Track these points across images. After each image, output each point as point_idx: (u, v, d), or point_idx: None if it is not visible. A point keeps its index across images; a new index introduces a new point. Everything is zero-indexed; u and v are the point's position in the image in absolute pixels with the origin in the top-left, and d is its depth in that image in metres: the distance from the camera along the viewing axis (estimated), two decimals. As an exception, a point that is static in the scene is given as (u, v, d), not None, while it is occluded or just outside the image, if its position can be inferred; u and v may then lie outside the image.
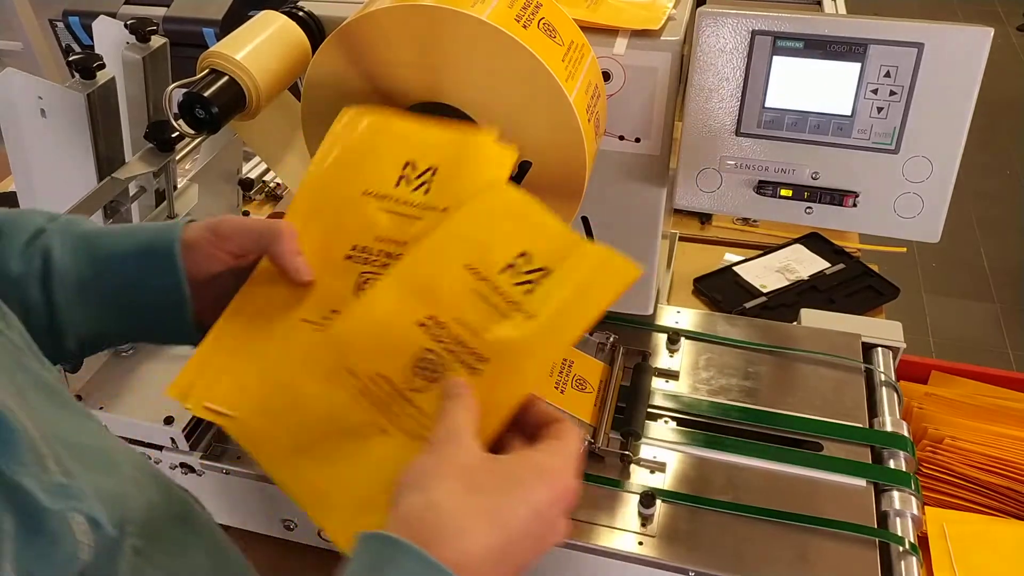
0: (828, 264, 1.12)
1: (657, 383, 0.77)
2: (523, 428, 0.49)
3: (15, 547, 0.30)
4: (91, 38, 0.93)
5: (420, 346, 0.50)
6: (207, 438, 0.76)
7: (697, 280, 1.12)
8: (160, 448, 0.77)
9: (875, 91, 0.71)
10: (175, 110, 0.75)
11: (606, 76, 0.74)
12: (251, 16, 0.80)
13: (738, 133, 0.76)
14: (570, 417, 0.72)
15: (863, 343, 0.81)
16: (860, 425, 0.72)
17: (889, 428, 0.72)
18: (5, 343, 0.43)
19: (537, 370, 0.50)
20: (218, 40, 0.77)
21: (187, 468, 0.77)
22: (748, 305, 1.05)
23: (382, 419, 0.49)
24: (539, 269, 0.52)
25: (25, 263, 0.55)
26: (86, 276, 0.55)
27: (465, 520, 0.39)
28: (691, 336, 0.81)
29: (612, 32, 0.74)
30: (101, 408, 0.78)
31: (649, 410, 0.74)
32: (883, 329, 0.83)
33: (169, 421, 0.75)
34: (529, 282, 0.51)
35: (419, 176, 0.57)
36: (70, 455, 0.38)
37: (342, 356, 0.51)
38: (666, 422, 0.73)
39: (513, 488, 0.41)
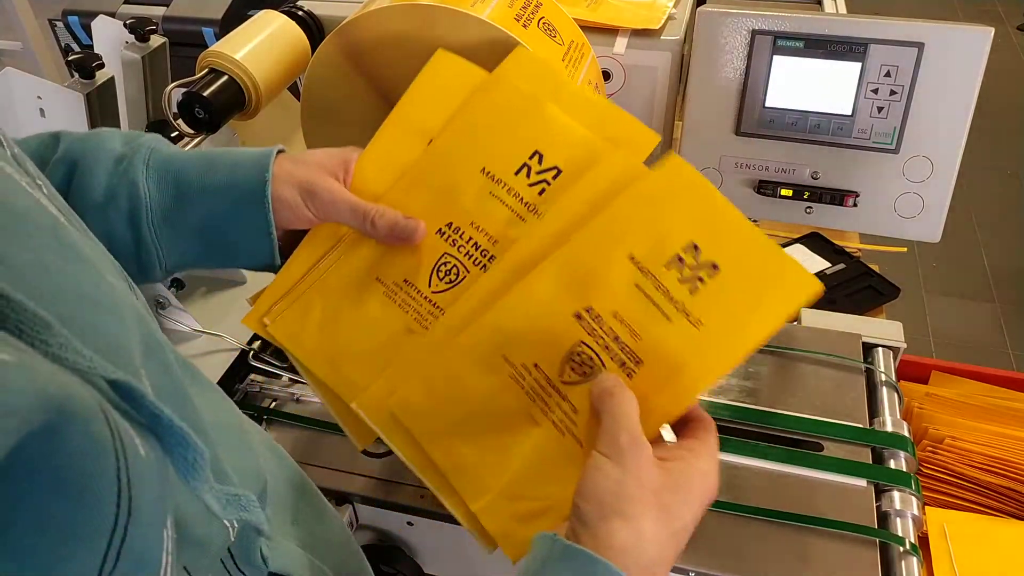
0: (828, 264, 1.12)
1: (657, 383, 0.77)
2: None
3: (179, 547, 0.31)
4: (90, 38, 0.93)
5: (575, 339, 0.48)
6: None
7: (697, 280, 1.12)
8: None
9: (875, 91, 0.71)
10: (174, 110, 0.75)
11: (606, 75, 0.74)
12: (250, 15, 0.80)
13: (738, 133, 0.76)
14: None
15: (863, 343, 0.81)
16: (860, 425, 0.72)
17: (889, 428, 0.72)
18: (149, 326, 0.38)
19: (695, 384, 0.47)
20: (217, 40, 0.77)
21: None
22: (748, 305, 1.05)
23: (534, 408, 0.49)
24: (708, 264, 0.47)
25: (109, 195, 0.53)
26: (172, 208, 0.54)
27: (662, 551, 0.42)
28: (691, 336, 0.81)
29: (612, 32, 0.74)
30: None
31: (649, 410, 0.74)
32: (883, 329, 0.82)
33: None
34: (697, 279, 0.47)
35: (541, 172, 0.54)
36: (217, 438, 0.39)
37: (498, 342, 0.49)
38: (666, 422, 0.73)
39: (692, 507, 0.44)
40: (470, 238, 0.54)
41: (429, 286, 0.54)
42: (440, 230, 0.54)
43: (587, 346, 0.48)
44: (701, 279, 0.47)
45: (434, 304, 0.54)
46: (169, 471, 0.29)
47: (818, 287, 0.46)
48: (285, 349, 0.56)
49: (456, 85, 0.57)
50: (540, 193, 0.53)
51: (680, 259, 0.48)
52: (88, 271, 0.31)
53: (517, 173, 0.54)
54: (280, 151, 0.56)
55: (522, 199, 0.53)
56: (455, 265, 0.54)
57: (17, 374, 0.21)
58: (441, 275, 0.54)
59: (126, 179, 0.53)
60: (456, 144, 0.56)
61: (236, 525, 0.38)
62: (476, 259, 0.54)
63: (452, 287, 0.54)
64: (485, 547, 0.51)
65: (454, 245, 0.54)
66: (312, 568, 0.49)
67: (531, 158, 0.54)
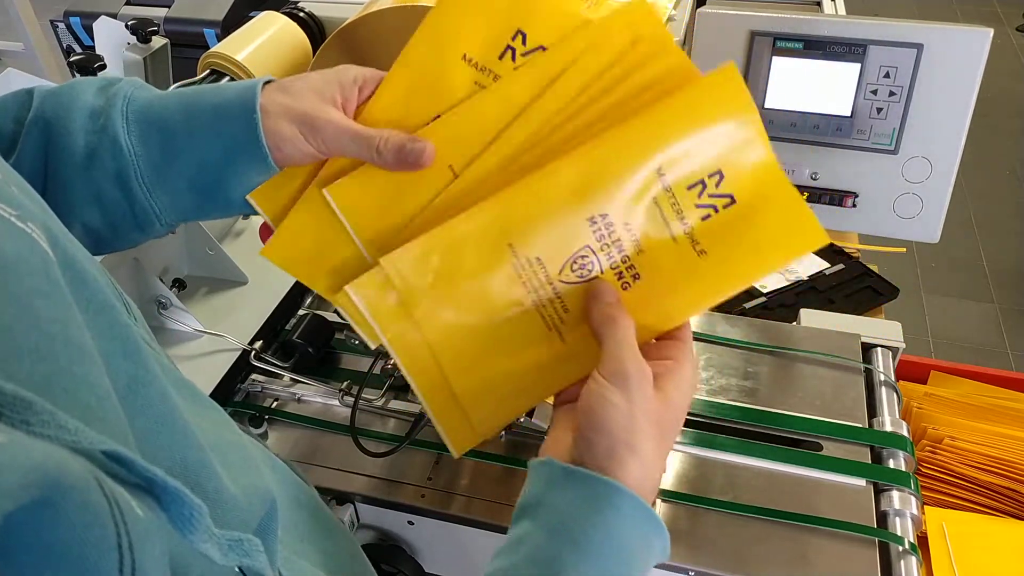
0: (827, 264, 1.12)
1: (657, 383, 0.77)
2: None
3: None
4: (92, 39, 0.94)
5: (583, 243, 0.48)
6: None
7: (697, 280, 1.12)
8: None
9: (875, 92, 0.72)
10: (176, 111, 0.74)
11: (606, 77, 0.74)
12: (252, 17, 0.80)
13: (738, 134, 0.76)
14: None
15: (862, 343, 0.81)
16: (859, 425, 0.72)
17: (888, 428, 0.72)
18: (150, 350, 0.37)
19: (685, 309, 0.48)
20: (219, 41, 0.77)
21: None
22: (748, 305, 1.05)
23: (527, 299, 0.49)
24: (727, 196, 0.47)
25: (90, 155, 0.50)
26: (160, 163, 0.50)
27: (660, 466, 0.44)
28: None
29: (612, 33, 0.74)
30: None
31: (649, 410, 0.74)
32: (882, 329, 0.83)
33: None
34: (711, 207, 0.47)
35: (526, 54, 0.51)
36: (220, 460, 0.38)
37: (507, 230, 0.48)
38: (666, 422, 0.74)
39: (680, 418, 0.46)
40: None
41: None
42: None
43: (592, 251, 0.48)
44: (716, 208, 0.47)
45: None
46: (166, 526, 0.29)
47: (824, 240, 0.47)
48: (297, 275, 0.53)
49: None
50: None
51: (703, 183, 0.47)
52: (74, 309, 0.30)
53: (501, 57, 0.51)
54: (268, 82, 0.52)
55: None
56: None
57: (5, 453, 0.21)
58: None
59: (106, 136, 0.50)
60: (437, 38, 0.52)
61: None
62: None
63: None
64: (450, 445, 0.51)
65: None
66: None
67: (513, 39, 0.52)
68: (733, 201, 0.47)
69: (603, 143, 0.47)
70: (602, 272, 0.48)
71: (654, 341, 0.49)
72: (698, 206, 0.47)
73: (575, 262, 0.48)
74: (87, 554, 0.24)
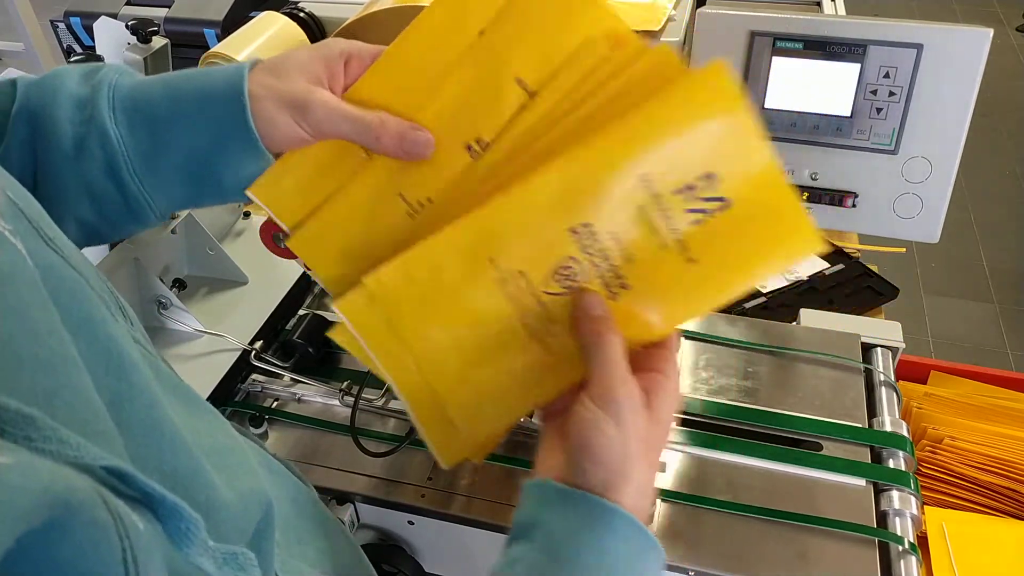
0: (827, 264, 1.12)
1: (657, 383, 0.77)
2: None
3: None
4: (92, 39, 0.94)
5: (566, 253, 0.46)
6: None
7: (697, 280, 1.11)
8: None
9: (874, 92, 0.72)
10: (176, 111, 0.74)
11: (606, 77, 0.74)
12: (252, 17, 0.80)
13: (738, 134, 0.76)
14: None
15: (862, 343, 0.81)
16: (859, 425, 0.73)
17: (888, 428, 0.72)
18: (145, 354, 0.38)
19: (673, 319, 0.47)
20: (219, 41, 0.77)
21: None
22: (747, 305, 1.05)
23: (512, 312, 0.47)
24: (719, 199, 0.44)
25: (78, 146, 0.49)
26: (150, 152, 0.50)
27: (651, 480, 0.44)
28: (690, 336, 0.82)
29: (612, 33, 0.74)
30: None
31: (649, 410, 0.74)
32: (882, 329, 0.83)
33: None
34: (702, 211, 0.45)
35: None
36: (215, 465, 0.38)
37: (486, 244, 0.46)
38: (666, 422, 0.74)
39: (668, 431, 0.46)
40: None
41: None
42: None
43: (576, 261, 0.46)
44: (707, 212, 0.44)
45: None
46: (163, 539, 0.29)
47: (820, 244, 0.45)
48: (310, 271, 0.53)
49: None
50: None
51: (692, 187, 0.44)
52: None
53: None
54: (254, 63, 0.51)
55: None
56: None
57: (15, 474, 0.21)
58: None
59: (94, 126, 0.49)
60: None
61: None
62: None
63: None
64: (439, 457, 0.50)
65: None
66: None
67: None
68: (727, 204, 0.45)
69: (581, 150, 0.45)
70: (588, 282, 0.47)
71: (640, 349, 0.47)
72: (688, 211, 0.45)
73: (559, 273, 0.47)
74: (95, 570, 0.24)
